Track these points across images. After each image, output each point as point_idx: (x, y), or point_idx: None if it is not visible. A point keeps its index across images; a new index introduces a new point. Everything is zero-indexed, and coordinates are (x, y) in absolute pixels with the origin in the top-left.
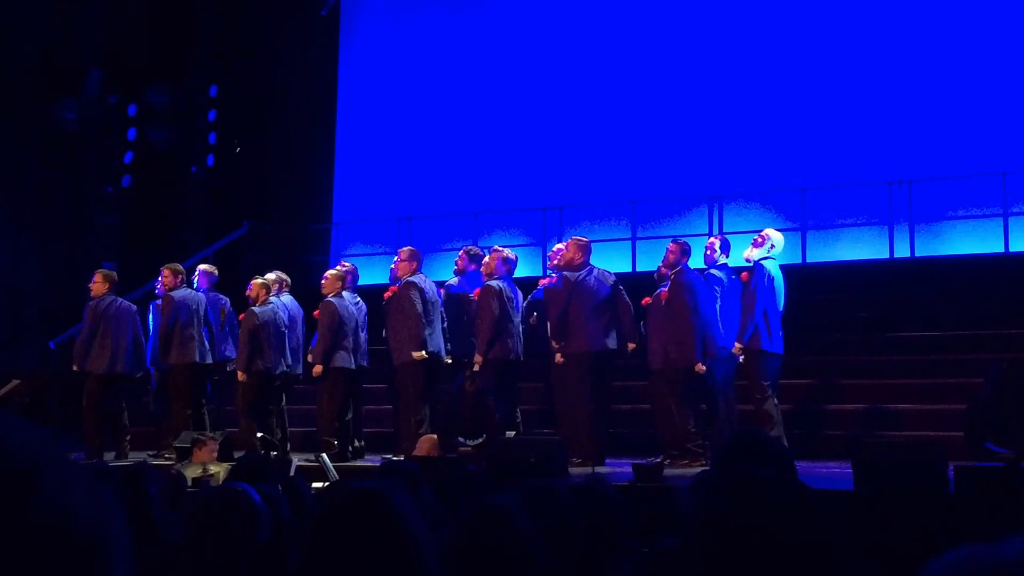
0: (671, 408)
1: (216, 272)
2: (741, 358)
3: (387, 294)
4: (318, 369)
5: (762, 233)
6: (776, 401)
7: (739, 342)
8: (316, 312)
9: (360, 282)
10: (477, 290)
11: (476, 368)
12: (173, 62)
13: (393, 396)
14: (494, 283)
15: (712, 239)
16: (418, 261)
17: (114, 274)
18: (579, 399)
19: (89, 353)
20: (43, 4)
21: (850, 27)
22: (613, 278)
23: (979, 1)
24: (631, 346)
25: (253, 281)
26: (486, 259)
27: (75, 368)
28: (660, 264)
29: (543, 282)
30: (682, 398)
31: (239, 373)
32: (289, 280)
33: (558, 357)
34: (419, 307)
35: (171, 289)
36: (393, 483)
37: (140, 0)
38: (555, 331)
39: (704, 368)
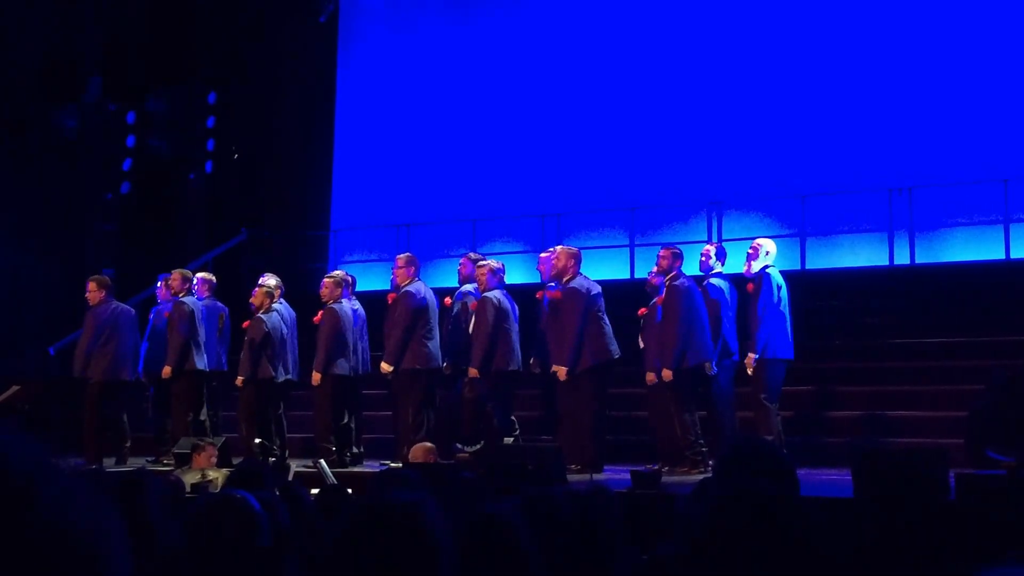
0: (671, 415)
1: (214, 280)
2: (750, 369)
3: (389, 299)
4: (317, 377)
5: (753, 244)
6: (777, 409)
7: (752, 352)
8: (316, 318)
9: (358, 288)
10: (474, 301)
11: (473, 378)
12: (172, 69)
13: (392, 402)
14: (491, 295)
15: (707, 247)
16: (415, 267)
17: (107, 279)
18: (587, 406)
19: (90, 359)
20: (43, 11)
21: (850, 33)
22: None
23: (980, 8)
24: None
25: (257, 288)
26: (476, 275)
27: (76, 374)
28: (651, 272)
29: (549, 294)
30: (683, 405)
31: (239, 379)
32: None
33: (562, 372)
34: (410, 319)
35: (177, 293)
36: (425, 496)
37: (139, 8)
38: (575, 341)
39: (671, 376)
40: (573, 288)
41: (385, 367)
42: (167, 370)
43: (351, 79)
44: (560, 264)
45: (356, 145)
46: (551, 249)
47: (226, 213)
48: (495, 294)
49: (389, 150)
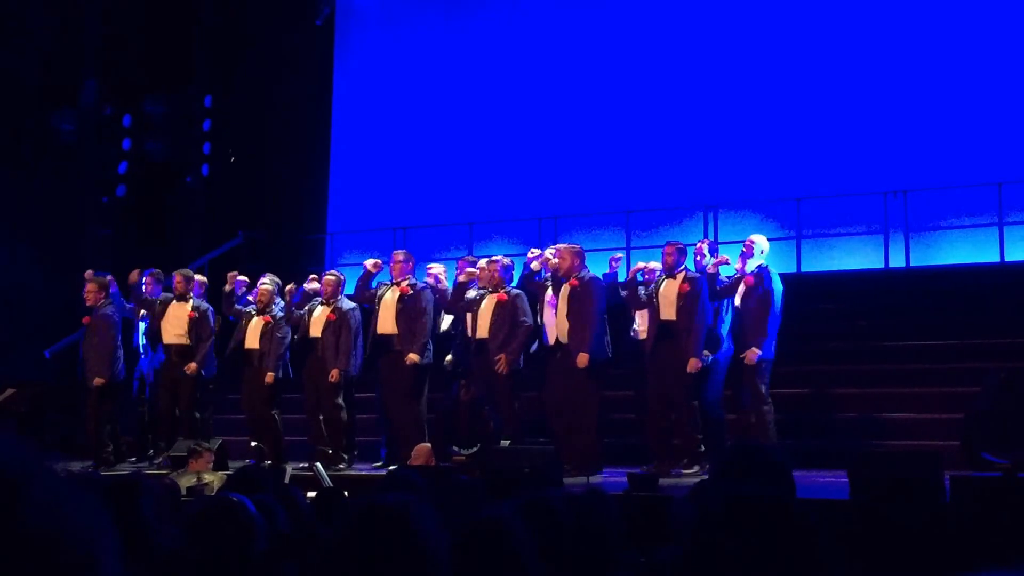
0: (683, 413)
1: (207, 282)
2: (750, 364)
3: (401, 289)
4: (335, 374)
5: (747, 243)
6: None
7: (758, 348)
8: (331, 315)
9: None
10: (502, 296)
11: (469, 380)
12: (168, 73)
13: (383, 404)
14: (515, 290)
15: (700, 244)
16: (412, 264)
17: (107, 280)
18: (586, 407)
19: (88, 362)
20: (40, 15)
21: (845, 36)
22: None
23: (976, 11)
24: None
25: (261, 288)
26: (485, 270)
27: (80, 378)
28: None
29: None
30: (688, 397)
31: (269, 376)
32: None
33: (582, 358)
34: (431, 310)
35: (183, 294)
36: (418, 498)
37: (136, 11)
38: (599, 328)
39: (700, 365)
40: (594, 276)
41: (413, 357)
42: (192, 366)
43: (347, 81)
44: (566, 264)
45: (352, 148)
46: (534, 249)
47: (222, 216)
48: (517, 290)
49: (385, 152)
